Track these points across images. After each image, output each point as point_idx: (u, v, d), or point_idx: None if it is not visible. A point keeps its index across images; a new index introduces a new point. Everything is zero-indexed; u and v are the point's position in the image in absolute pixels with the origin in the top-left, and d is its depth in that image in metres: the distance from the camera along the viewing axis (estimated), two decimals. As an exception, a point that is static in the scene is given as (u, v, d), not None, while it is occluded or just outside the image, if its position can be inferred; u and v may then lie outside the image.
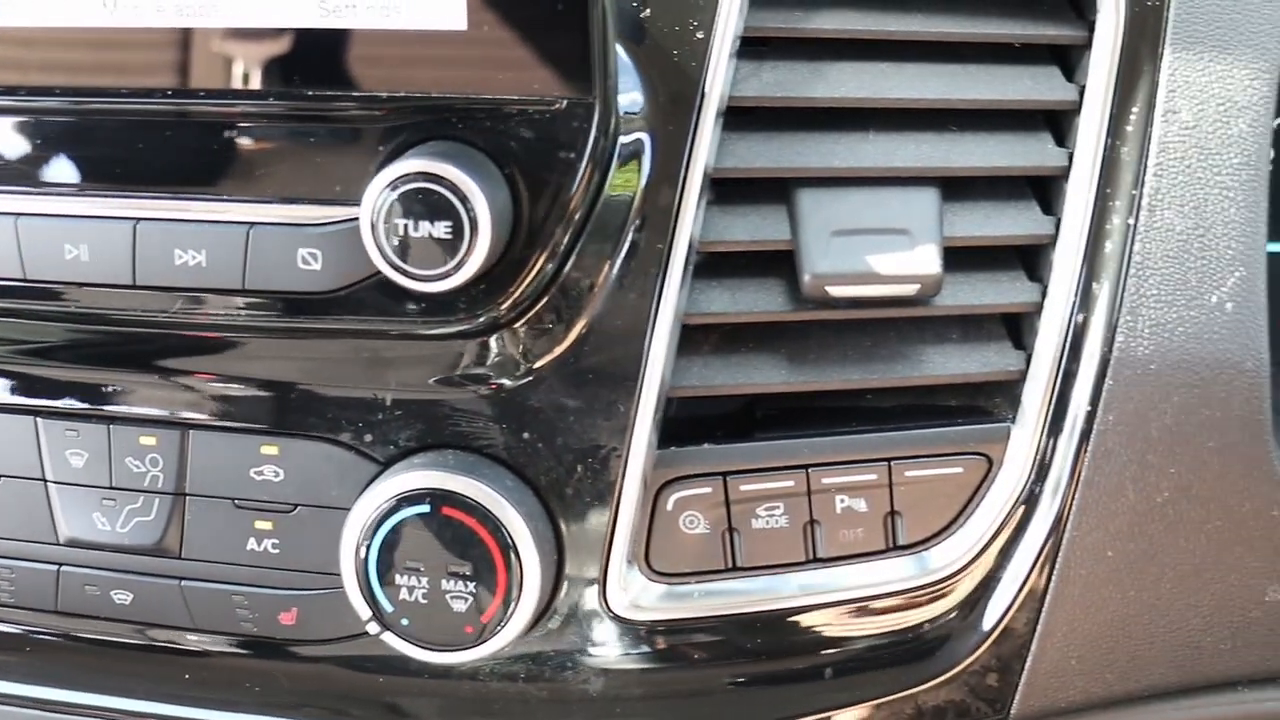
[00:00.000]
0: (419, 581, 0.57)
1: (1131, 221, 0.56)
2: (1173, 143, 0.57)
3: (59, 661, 0.64)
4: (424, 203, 0.51)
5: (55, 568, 0.62)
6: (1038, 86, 0.58)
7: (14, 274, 0.56)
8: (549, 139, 0.52)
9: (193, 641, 0.62)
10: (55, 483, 0.61)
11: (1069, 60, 0.59)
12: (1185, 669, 0.61)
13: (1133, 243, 0.56)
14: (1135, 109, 0.57)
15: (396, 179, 0.51)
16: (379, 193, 0.51)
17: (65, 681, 0.65)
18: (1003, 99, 0.58)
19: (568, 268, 0.56)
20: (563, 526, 0.58)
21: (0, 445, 0.61)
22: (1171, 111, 0.57)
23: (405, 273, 0.52)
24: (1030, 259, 0.59)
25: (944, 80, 0.58)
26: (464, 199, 0.51)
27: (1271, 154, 0.62)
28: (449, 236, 0.51)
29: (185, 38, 0.53)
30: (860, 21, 0.58)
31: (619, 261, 0.56)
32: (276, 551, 0.60)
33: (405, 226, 0.52)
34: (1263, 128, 0.57)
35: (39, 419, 0.60)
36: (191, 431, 0.60)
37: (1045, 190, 0.59)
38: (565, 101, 0.52)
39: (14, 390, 0.61)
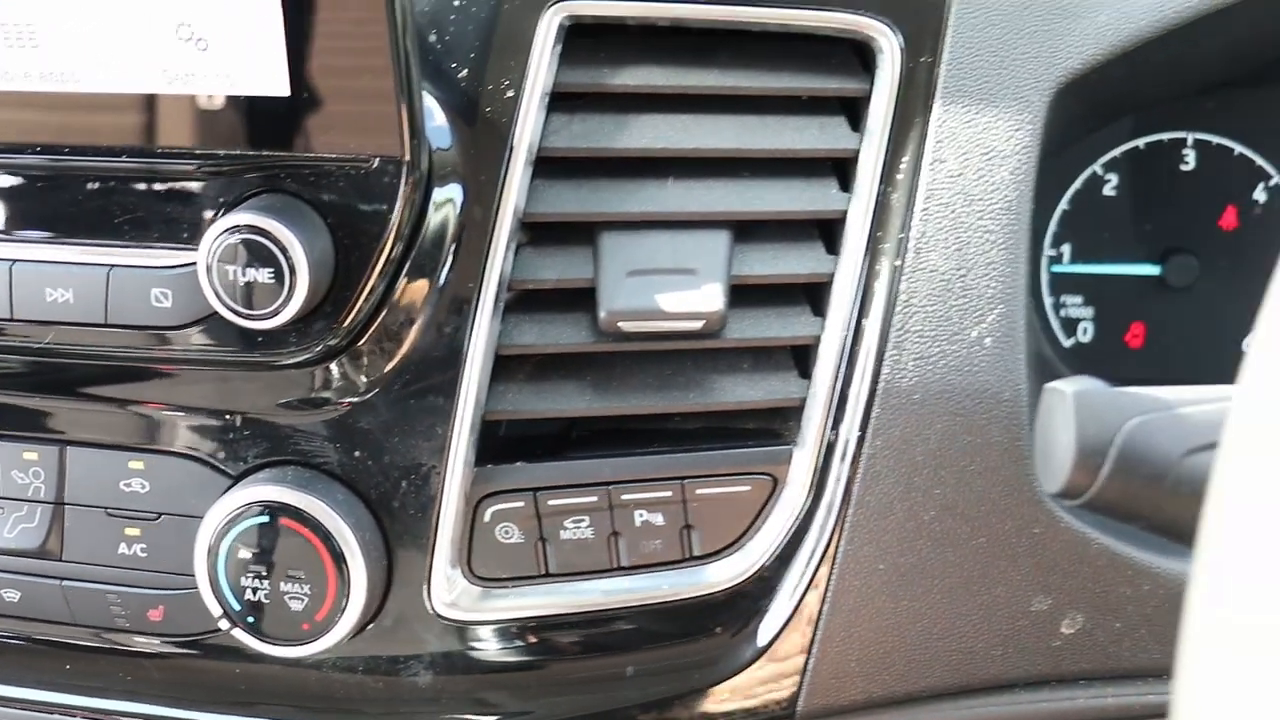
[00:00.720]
0: (261, 584, 0.64)
1: (898, 263, 0.62)
2: (938, 189, 0.62)
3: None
4: (249, 251, 0.58)
5: (-49, 570, 0.70)
6: (824, 136, 0.64)
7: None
8: (364, 192, 0.59)
9: (73, 635, 0.69)
10: (-51, 493, 0.69)
11: (858, 112, 0.65)
12: (960, 672, 0.66)
13: (899, 282, 0.62)
14: (906, 158, 0.63)
15: (226, 230, 0.58)
16: (212, 241, 0.58)
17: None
18: (789, 148, 0.63)
19: (388, 306, 0.62)
20: (391, 536, 0.65)
21: (-101, 460, 0.69)
22: (938, 160, 0.62)
23: (236, 311, 0.59)
24: (817, 296, 0.65)
25: (739, 130, 0.64)
26: (283, 248, 0.57)
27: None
28: (271, 281, 0.58)
29: (53, 101, 0.61)
30: (662, 77, 0.64)
31: (435, 300, 0.62)
32: (144, 555, 0.67)
33: (233, 271, 0.58)
34: (1024, 175, 0.62)
35: (-67, 437, 0.68)
36: (69, 448, 0.67)
37: (832, 233, 0.65)
38: (377, 160, 0.59)
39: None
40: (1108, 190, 0.83)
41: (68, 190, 0.62)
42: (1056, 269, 0.84)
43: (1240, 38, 0.70)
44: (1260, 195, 0.85)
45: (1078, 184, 0.82)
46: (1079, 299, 0.86)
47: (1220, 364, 0.87)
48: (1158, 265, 0.85)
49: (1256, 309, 0.87)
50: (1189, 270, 0.86)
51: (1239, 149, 0.84)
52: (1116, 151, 0.83)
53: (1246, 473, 0.35)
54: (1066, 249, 0.84)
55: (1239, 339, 0.88)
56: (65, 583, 0.68)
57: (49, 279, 0.62)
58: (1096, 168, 0.82)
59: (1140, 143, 0.83)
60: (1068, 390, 0.48)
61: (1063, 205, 0.82)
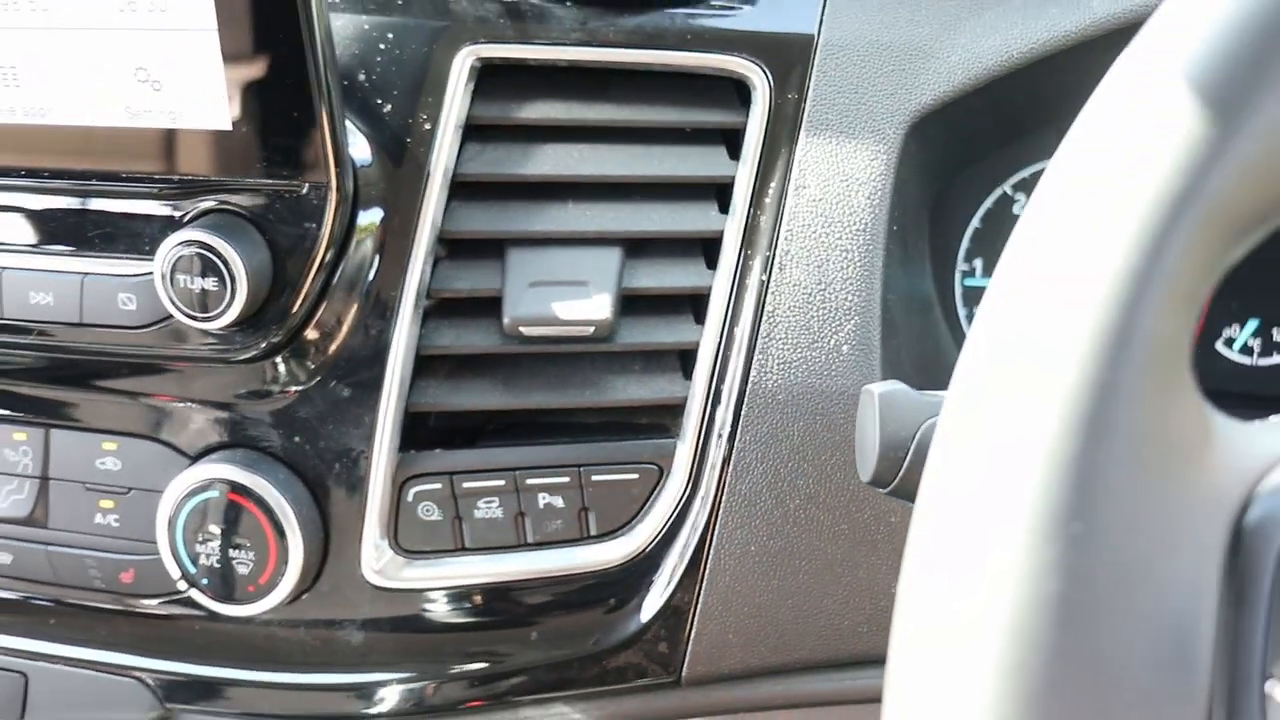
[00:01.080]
0: (213, 550, 0.73)
1: (764, 277, 0.69)
2: (801, 212, 0.69)
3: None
4: (196, 262, 0.67)
5: (-47, 533, 0.80)
6: (705, 164, 0.71)
7: (-85, 307, 0.74)
8: (296, 212, 0.68)
9: (56, 595, 0.79)
10: (-50, 466, 0.79)
11: (738, 142, 0.72)
12: (830, 647, 0.73)
13: (766, 295, 0.69)
14: (774, 183, 0.70)
15: (177, 244, 0.67)
16: (166, 254, 0.67)
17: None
18: (674, 174, 0.71)
19: (320, 310, 0.71)
20: (327, 511, 0.74)
21: (-90, 436, 0.79)
22: (801, 186, 0.69)
23: (185, 314, 0.68)
24: (700, 306, 0.72)
25: (631, 158, 0.72)
26: (225, 261, 0.67)
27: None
28: (216, 288, 0.67)
29: (33, 133, 0.70)
30: (563, 111, 0.72)
31: (362, 306, 0.71)
32: (117, 524, 0.76)
33: (184, 280, 0.68)
34: (879, 200, 0.69)
35: (-62, 418, 0.79)
36: (52, 430, 0.76)
37: (714, 250, 0.72)
38: (307, 185, 0.67)
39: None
40: (1016, 209, 0.89)
41: (48, 207, 0.71)
42: (969, 283, 0.90)
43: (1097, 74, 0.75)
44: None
45: (988, 203, 0.89)
46: None
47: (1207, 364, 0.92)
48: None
49: (1224, 310, 0.92)
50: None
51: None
52: (1025, 173, 0.89)
53: (938, 473, 0.41)
54: (979, 264, 0.90)
55: (1210, 339, 0.92)
56: (50, 548, 0.78)
57: (33, 283, 0.72)
58: (1006, 188, 0.89)
59: (1045, 165, 0.89)
60: (875, 391, 0.55)
61: (974, 223, 0.89)
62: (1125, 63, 0.39)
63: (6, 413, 0.77)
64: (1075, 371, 0.36)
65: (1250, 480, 0.39)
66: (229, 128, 0.67)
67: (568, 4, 0.71)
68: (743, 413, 0.70)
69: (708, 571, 0.71)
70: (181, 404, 0.74)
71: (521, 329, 0.70)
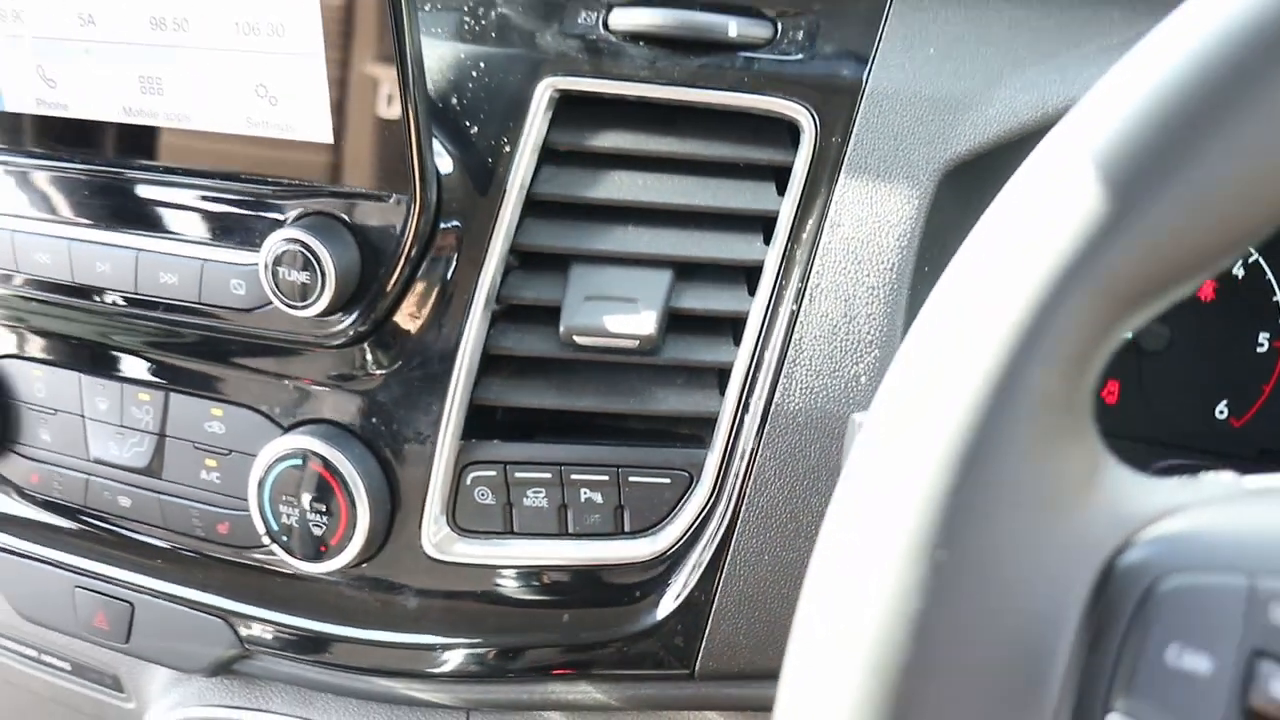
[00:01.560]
0: (293, 511, 0.82)
1: (795, 307, 0.75)
2: (834, 248, 0.74)
3: (84, 540, 0.94)
4: (295, 257, 0.76)
5: (85, 477, 0.91)
6: (753, 197, 0.77)
7: (65, 278, 0.85)
8: (383, 219, 0.76)
9: (162, 537, 0.90)
10: (88, 418, 0.90)
11: (786, 177, 0.77)
12: (837, 654, 0.78)
13: (795, 323, 0.75)
14: (811, 220, 0.75)
15: (279, 240, 0.76)
16: (269, 248, 0.76)
17: (84, 553, 0.94)
18: (725, 206, 0.77)
19: (402, 306, 0.79)
20: (395, 486, 0.82)
21: (57, 390, 0.90)
22: (837, 224, 0.74)
23: (284, 301, 0.77)
24: (741, 329, 0.78)
25: (687, 188, 0.78)
26: (318, 257, 0.76)
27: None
28: (310, 281, 0.76)
29: (170, 135, 0.81)
30: (630, 141, 0.79)
31: (438, 306, 0.79)
32: (218, 481, 0.86)
33: (283, 272, 0.77)
34: (908, 242, 0.74)
35: (81, 375, 0.89)
36: (171, 394, 0.87)
37: (756, 277, 0.78)
38: (394, 195, 0.76)
39: (65, 355, 0.90)
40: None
41: (178, 200, 0.82)
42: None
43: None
44: (1239, 271, 0.92)
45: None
46: None
47: (1192, 426, 0.94)
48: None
49: (1229, 376, 0.95)
50: (1160, 336, 0.94)
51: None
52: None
53: (840, 490, 0.46)
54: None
55: (1211, 404, 0.95)
56: (161, 497, 0.88)
57: (162, 265, 0.82)
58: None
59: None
60: (857, 419, 0.60)
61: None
62: (1046, 144, 0.44)
63: (135, 375, 0.88)
64: (959, 415, 0.41)
65: (1130, 528, 0.42)
66: (331, 141, 0.76)
67: (640, 44, 0.78)
68: (765, 431, 0.75)
69: (724, 575, 0.77)
70: (279, 380, 0.84)
71: (575, 337, 0.77)
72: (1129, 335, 0.94)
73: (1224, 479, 0.45)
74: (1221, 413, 0.94)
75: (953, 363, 0.42)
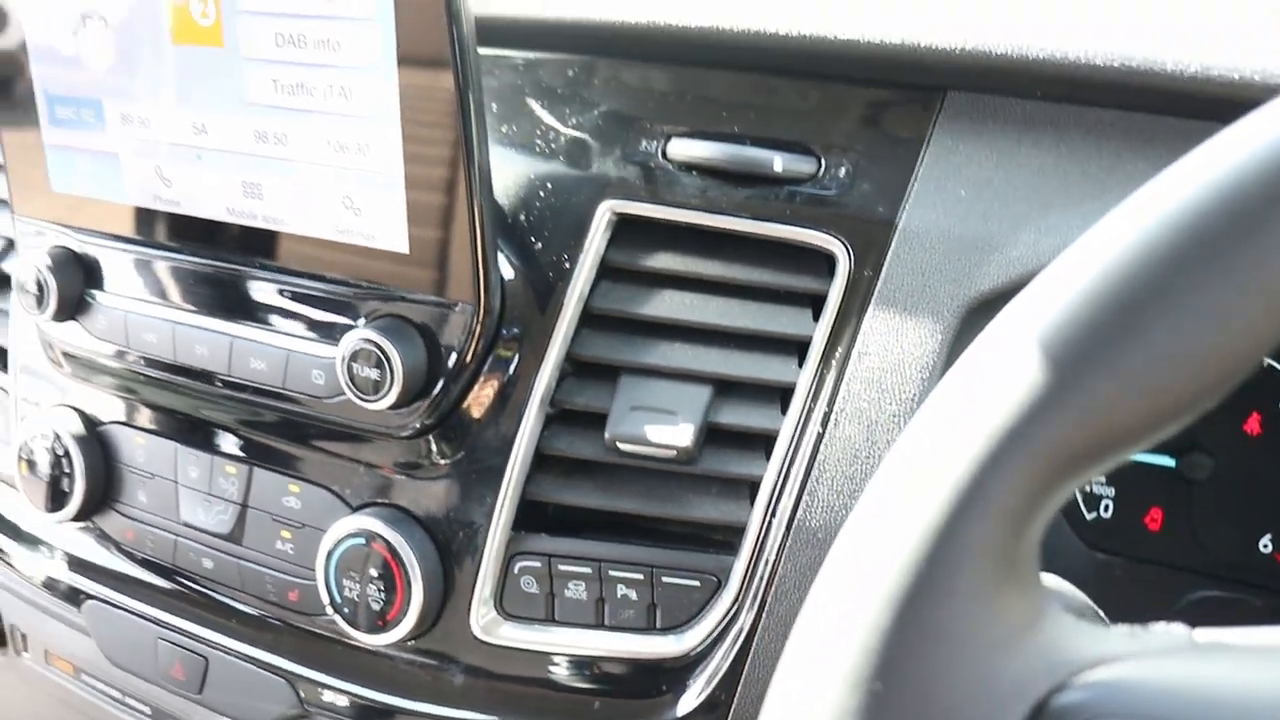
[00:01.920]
0: (355, 585, 0.89)
1: (821, 430, 0.79)
2: (860, 376, 0.79)
3: (169, 596, 1.02)
4: (367, 355, 0.83)
5: (174, 538, 0.99)
6: (790, 322, 0.82)
7: (168, 357, 0.94)
8: (450, 323, 0.83)
9: (239, 599, 0.98)
10: (181, 485, 0.98)
11: (822, 304, 0.82)
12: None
13: (820, 445, 0.79)
14: (841, 347, 0.80)
15: (354, 339, 0.84)
16: (345, 345, 0.84)
17: (168, 607, 1.02)
18: (763, 329, 0.82)
19: (463, 405, 0.86)
20: (449, 570, 0.88)
21: (155, 457, 0.98)
22: (864, 353, 0.79)
23: (357, 394, 0.84)
24: (771, 444, 0.82)
25: (730, 309, 0.83)
26: (388, 356, 0.83)
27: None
28: (379, 378, 0.83)
29: (267, 236, 0.89)
30: (681, 264, 0.84)
31: (496, 406, 0.86)
32: (292, 551, 0.93)
33: (356, 367, 0.84)
34: (929, 375, 0.77)
35: (177, 445, 0.98)
36: (255, 468, 0.95)
37: (790, 397, 0.82)
38: (460, 304, 0.83)
39: (165, 426, 0.99)
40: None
41: (270, 293, 0.90)
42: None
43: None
44: (1285, 406, 0.94)
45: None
46: (1100, 478, 0.97)
47: (1235, 558, 0.95)
48: (1173, 458, 0.95)
49: (1274, 510, 0.97)
50: (1204, 467, 0.95)
51: (1269, 361, 0.93)
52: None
53: (804, 609, 0.51)
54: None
55: (1255, 537, 0.95)
56: (241, 562, 0.96)
57: (253, 352, 0.91)
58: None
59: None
60: None
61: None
62: (1001, 317, 0.48)
63: (224, 449, 0.96)
64: (903, 558, 0.46)
65: (1069, 671, 0.46)
66: (406, 251, 0.83)
67: (693, 173, 0.84)
68: (788, 544, 0.80)
69: (744, 677, 0.81)
70: (350, 463, 0.91)
71: (620, 444, 0.82)
72: (1173, 464, 0.96)
73: (1175, 630, 0.49)
74: (1266, 547, 0.95)
75: (902, 510, 0.47)
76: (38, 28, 0.95)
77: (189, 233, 0.93)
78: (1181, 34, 0.79)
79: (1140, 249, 0.45)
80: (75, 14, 0.92)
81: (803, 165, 0.82)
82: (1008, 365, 0.46)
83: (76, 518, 1.03)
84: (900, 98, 0.83)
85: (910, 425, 0.48)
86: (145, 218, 0.95)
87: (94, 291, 0.99)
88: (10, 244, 1.17)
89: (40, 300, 0.99)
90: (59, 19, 0.93)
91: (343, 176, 0.84)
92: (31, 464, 1.03)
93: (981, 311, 0.78)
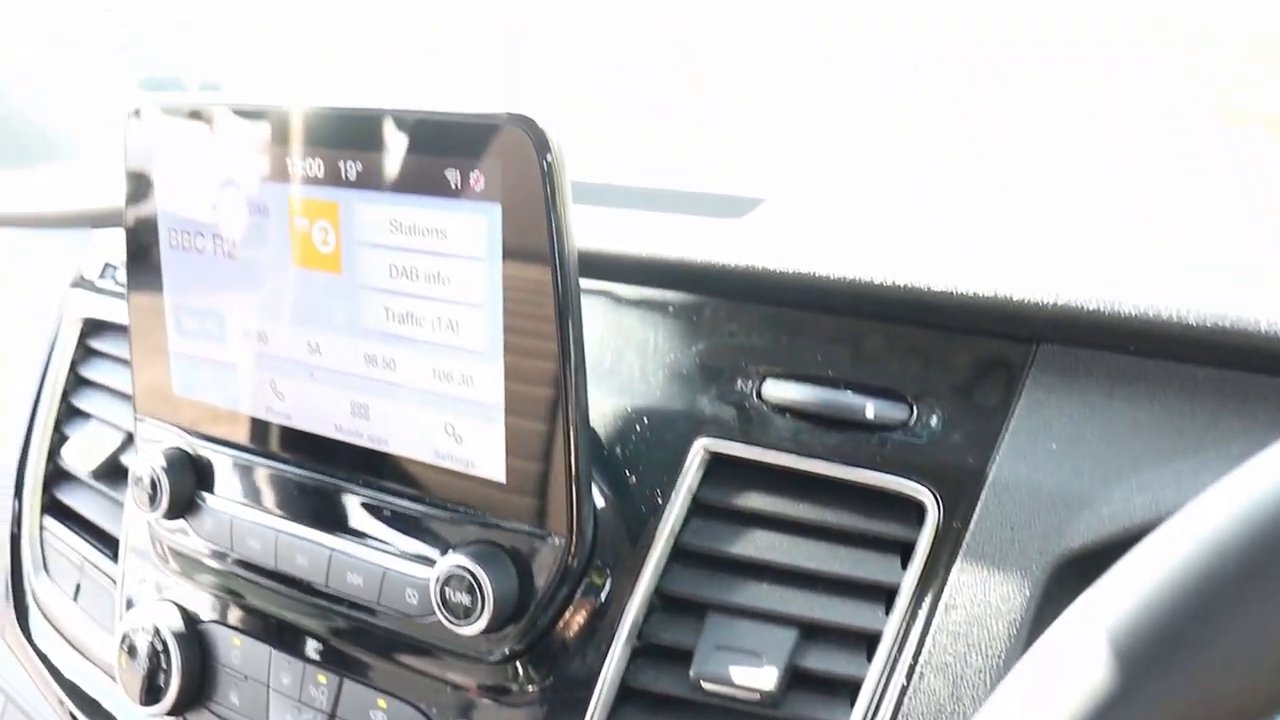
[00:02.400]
0: (435, 810, 0.89)
1: (905, 682, 0.78)
2: (947, 628, 0.78)
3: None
4: (460, 581, 0.85)
5: (264, 741, 1.01)
6: (878, 569, 0.82)
7: (269, 564, 0.97)
8: (542, 554, 0.85)
9: (322, 809, 0.99)
10: (272, 689, 1.00)
11: (911, 551, 0.82)
12: None
13: (904, 697, 0.78)
14: (929, 597, 0.79)
15: (448, 565, 0.86)
16: (439, 569, 0.86)
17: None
18: (851, 575, 0.82)
19: (552, 634, 0.87)
20: (538, 785, 0.88)
21: (250, 659, 1.01)
22: (951, 605, 0.78)
23: (448, 618, 0.86)
24: (856, 692, 0.82)
25: (819, 552, 0.83)
26: (480, 584, 0.84)
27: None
28: (470, 604, 0.85)
29: (374, 457, 0.92)
30: (772, 505, 0.85)
31: (583, 636, 0.86)
32: (378, 764, 0.95)
33: (448, 592, 0.86)
34: (1016, 631, 0.76)
35: (272, 649, 1.00)
36: (344, 680, 0.97)
37: (875, 645, 0.82)
38: (551, 535, 0.84)
39: (260, 629, 1.02)
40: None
41: (370, 511, 0.93)
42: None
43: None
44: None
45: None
46: None
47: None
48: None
49: None
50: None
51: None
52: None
53: None
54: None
55: None
56: (326, 770, 0.98)
57: (350, 566, 0.93)
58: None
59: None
60: None
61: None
62: (1072, 610, 0.49)
63: (316, 657, 0.98)
64: None
65: None
66: (504, 481, 0.85)
67: (786, 415, 0.85)
68: (872, 800, 0.78)
69: None
70: (439, 683, 0.92)
71: (704, 683, 0.82)
72: None
73: None
74: None
75: None
76: (170, 244, 1.01)
77: (297, 445, 0.97)
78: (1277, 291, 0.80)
79: (1209, 555, 0.46)
80: (206, 233, 0.98)
81: (895, 412, 0.83)
82: (1071, 660, 0.47)
83: (171, 712, 1.05)
84: (993, 348, 0.84)
85: (989, 704, 0.49)
86: (257, 427, 0.99)
87: (204, 493, 1.03)
88: (129, 438, 1.23)
89: (153, 499, 1.03)
90: (190, 236, 0.99)
91: (445, 404, 0.87)
92: (132, 655, 1.07)
93: (1071, 568, 0.78)
